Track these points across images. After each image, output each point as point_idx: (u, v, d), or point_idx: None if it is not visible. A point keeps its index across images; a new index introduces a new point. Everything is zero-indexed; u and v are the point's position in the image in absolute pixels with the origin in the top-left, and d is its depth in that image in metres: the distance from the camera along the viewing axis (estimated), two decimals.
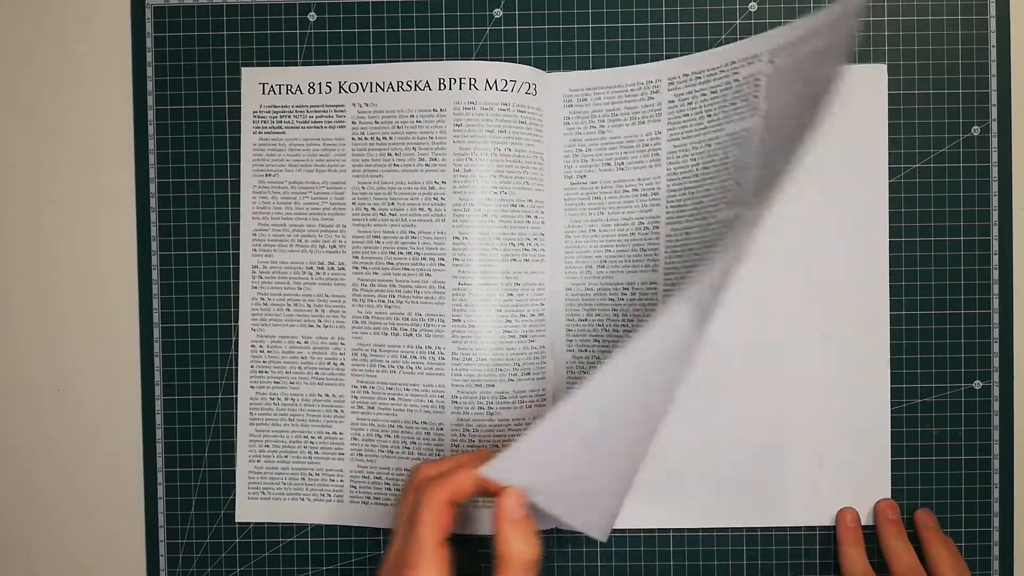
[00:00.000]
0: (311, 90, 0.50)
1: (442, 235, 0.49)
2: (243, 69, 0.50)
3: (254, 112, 0.50)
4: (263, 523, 0.51)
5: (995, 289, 0.50)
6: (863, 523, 0.50)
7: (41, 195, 0.51)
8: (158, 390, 0.51)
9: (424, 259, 0.49)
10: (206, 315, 0.51)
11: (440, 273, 0.49)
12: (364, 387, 0.50)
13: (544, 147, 0.49)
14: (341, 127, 0.50)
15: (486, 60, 0.50)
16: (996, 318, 0.50)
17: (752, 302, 0.50)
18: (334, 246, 0.50)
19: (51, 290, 0.51)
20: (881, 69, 0.49)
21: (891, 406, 0.50)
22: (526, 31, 0.50)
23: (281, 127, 0.50)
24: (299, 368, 0.51)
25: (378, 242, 0.50)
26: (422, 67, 0.49)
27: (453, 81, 0.49)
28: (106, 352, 0.51)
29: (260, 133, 0.50)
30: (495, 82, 0.48)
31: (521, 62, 0.50)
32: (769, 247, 0.50)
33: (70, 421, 0.52)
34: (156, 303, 0.51)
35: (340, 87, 0.50)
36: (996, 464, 0.50)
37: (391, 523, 0.48)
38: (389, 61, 0.50)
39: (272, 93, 0.50)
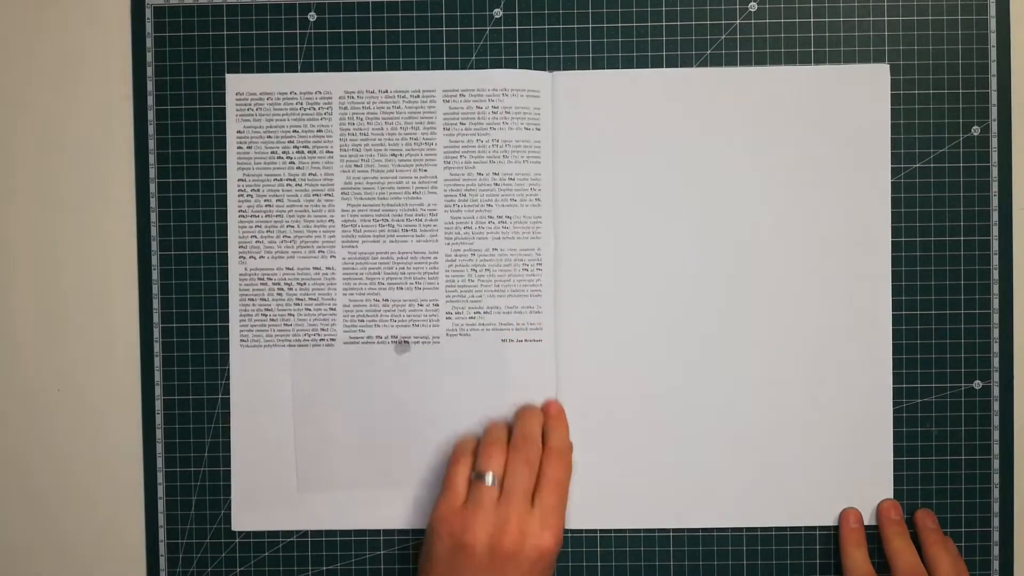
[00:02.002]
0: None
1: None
2: (228, 76, 0.50)
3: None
4: (258, 529, 0.51)
5: (995, 289, 0.50)
6: (864, 523, 0.49)
7: (41, 195, 0.51)
8: (158, 390, 0.51)
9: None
10: (206, 315, 0.51)
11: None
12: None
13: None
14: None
15: (486, 66, 0.50)
16: (996, 318, 0.50)
17: (754, 302, 0.50)
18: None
19: (51, 290, 0.51)
20: (884, 69, 0.49)
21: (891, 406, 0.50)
22: (526, 31, 0.50)
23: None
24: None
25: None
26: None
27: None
28: (106, 352, 0.51)
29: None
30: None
31: (521, 63, 0.50)
32: (771, 247, 0.50)
33: (70, 421, 0.52)
34: (156, 303, 0.51)
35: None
36: (996, 464, 0.50)
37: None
38: (389, 63, 0.50)
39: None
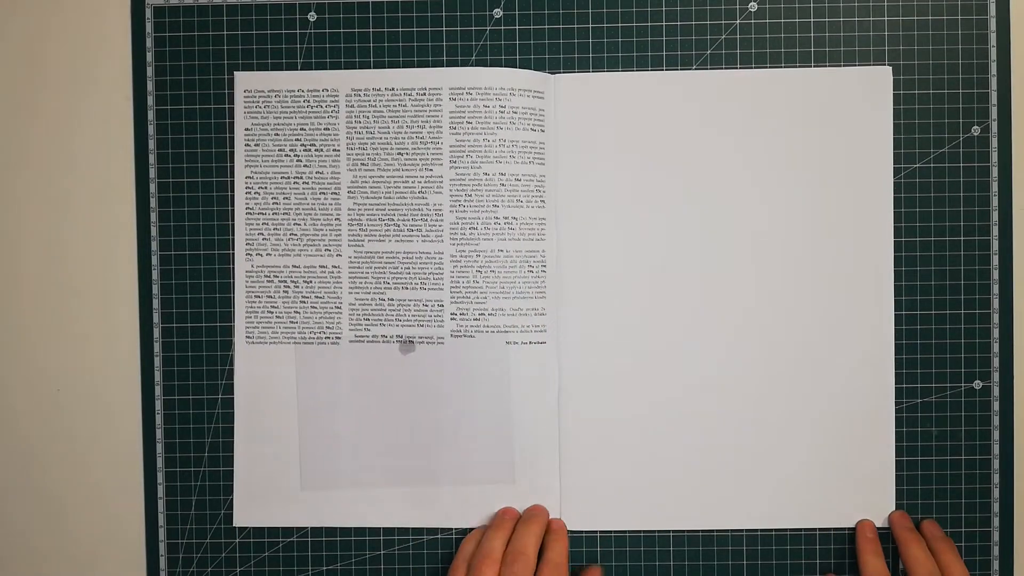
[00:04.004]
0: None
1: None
2: (237, 74, 0.50)
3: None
4: (260, 525, 0.51)
5: (995, 289, 0.50)
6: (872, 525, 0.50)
7: (41, 195, 0.51)
8: (158, 390, 0.51)
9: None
10: (206, 315, 0.51)
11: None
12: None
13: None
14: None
15: (486, 65, 0.50)
16: (996, 318, 0.50)
17: (757, 302, 0.50)
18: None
19: (51, 290, 0.51)
20: (886, 72, 0.49)
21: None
22: (526, 31, 0.50)
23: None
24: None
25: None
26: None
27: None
28: (106, 352, 0.51)
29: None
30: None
31: (521, 63, 0.50)
32: (773, 247, 0.50)
33: (70, 421, 0.52)
34: (156, 303, 0.51)
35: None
36: (996, 464, 0.50)
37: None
38: (389, 63, 0.50)
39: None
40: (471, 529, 0.50)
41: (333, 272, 0.50)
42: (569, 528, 0.50)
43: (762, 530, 0.50)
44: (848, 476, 0.50)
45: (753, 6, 0.50)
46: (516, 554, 0.46)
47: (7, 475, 0.52)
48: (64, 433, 0.52)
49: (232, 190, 0.51)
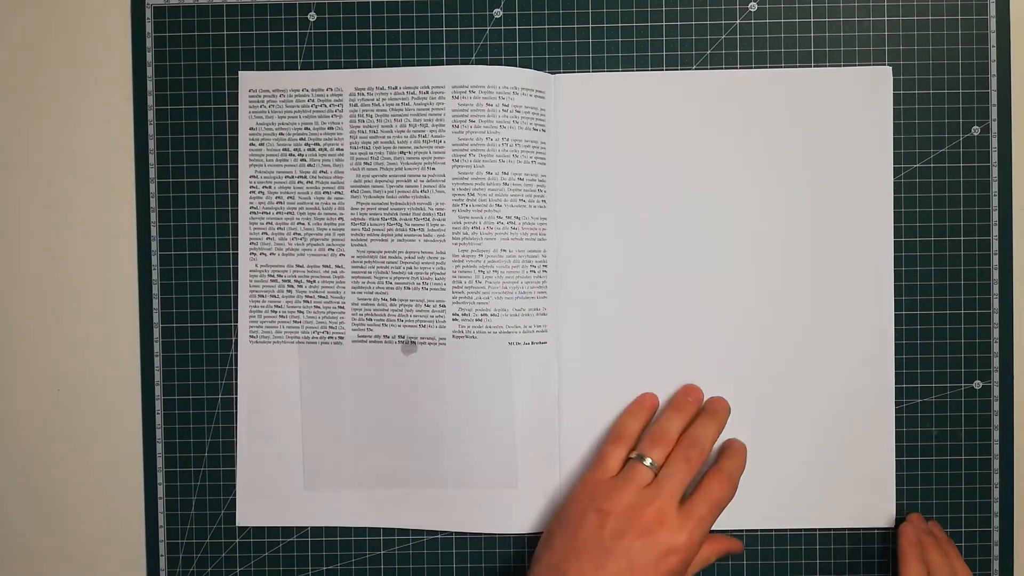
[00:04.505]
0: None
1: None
2: (241, 73, 0.50)
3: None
4: (263, 525, 0.51)
5: (995, 289, 0.50)
6: (866, 525, 0.50)
7: (41, 195, 0.51)
8: (158, 390, 0.51)
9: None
10: (206, 315, 0.51)
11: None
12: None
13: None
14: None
15: (486, 64, 0.50)
16: (996, 318, 0.50)
17: (757, 302, 0.50)
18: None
19: (51, 290, 0.51)
20: (886, 72, 0.49)
21: None
22: (526, 31, 0.50)
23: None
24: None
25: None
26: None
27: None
28: (106, 352, 0.51)
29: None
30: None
31: (521, 63, 0.50)
32: (774, 247, 0.50)
33: (70, 421, 0.52)
34: (156, 303, 0.51)
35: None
36: (996, 464, 0.50)
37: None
38: (389, 63, 0.50)
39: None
40: (472, 532, 0.50)
41: (336, 272, 0.50)
42: None
43: (762, 530, 0.50)
44: (848, 476, 0.50)
45: (753, 6, 0.50)
46: (693, 440, 0.45)
47: (7, 475, 0.52)
48: (64, 433, 0.52)
49: (233, 190, 0.51)
